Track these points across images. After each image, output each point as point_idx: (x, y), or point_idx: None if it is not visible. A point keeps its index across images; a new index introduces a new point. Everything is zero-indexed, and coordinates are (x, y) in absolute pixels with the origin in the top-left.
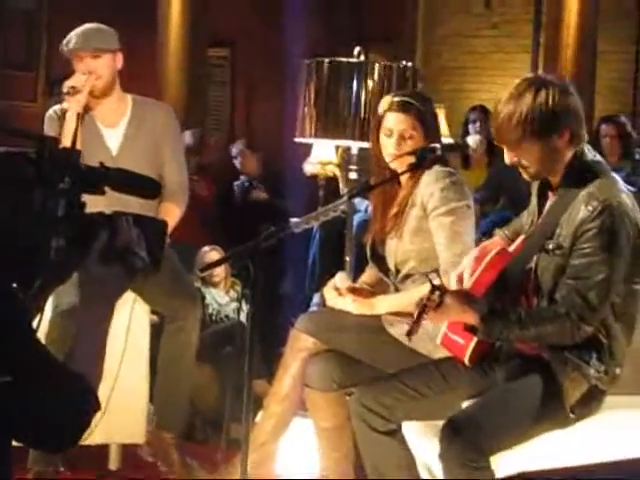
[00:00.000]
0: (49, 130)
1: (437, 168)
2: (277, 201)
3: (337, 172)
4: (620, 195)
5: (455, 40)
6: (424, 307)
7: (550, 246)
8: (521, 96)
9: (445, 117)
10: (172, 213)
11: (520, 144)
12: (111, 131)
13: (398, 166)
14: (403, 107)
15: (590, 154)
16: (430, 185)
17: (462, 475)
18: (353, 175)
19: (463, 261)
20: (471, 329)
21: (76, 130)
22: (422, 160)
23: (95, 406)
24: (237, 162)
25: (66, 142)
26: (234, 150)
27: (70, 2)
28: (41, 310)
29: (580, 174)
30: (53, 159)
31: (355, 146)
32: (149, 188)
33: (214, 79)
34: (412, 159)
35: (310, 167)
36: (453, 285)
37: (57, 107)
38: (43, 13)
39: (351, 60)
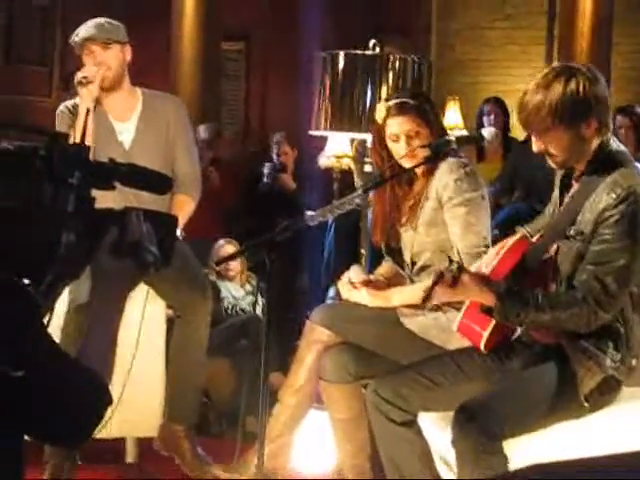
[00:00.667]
0: (61, 125)
1: (451, 160)
2: (300, 193)
3: (352, 165)
4: None
5: (469, 33)
6: (441, 275)
7: (571, 232)
8: (550, 85)
9: (460, 109)
10: (185, 205)
11: (549, 133)
12: (123, 125)
13: (410, 163)
14: (401, 109)
15: (615, 144)
16: (444, 176)
17: (474, 460)
18: (368, 168)
19: (483, 259)
20: (488, 311)
21: (85, 123)
22: (437, 153)
23: (108, 400)
24: (274, 155)
25: (78, 136)
26: (274, 142)
27: None
28: (52, 305)
29: (604, 163)
30: (63, 154)
31: (370, 139)
32: (159, 183)
33: (228, 73)
34: (424, 152)
35: (325, 160)
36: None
37: (68, 102)
38: (58, 9)
39: (366, 53)
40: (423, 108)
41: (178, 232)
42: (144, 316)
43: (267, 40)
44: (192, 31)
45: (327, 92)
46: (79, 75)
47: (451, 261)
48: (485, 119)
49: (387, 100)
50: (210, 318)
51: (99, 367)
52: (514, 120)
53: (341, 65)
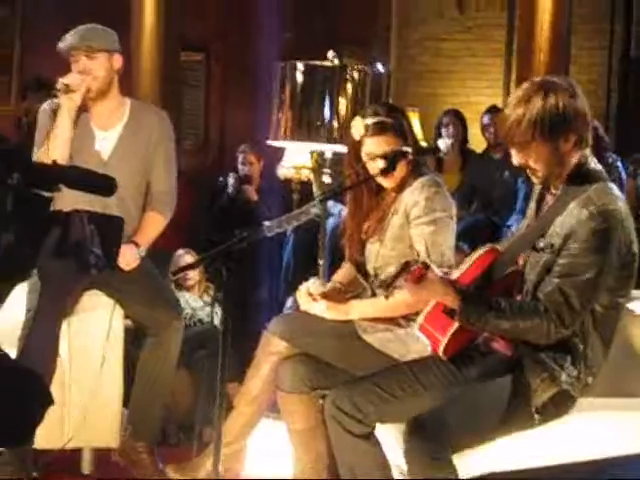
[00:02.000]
0: (42, 123)
1: (424, 178)
2: (263, 206)
3: (311, 176)
4: (617, 202)
5: (429, 44)
6: (407, 263)
7: (541, 244)
8: (530, 99)
9: (419, 121)
10: (156, 222)
11: (529, 146)
12: (105, 134)
13: (389, 183)
14: (381, 129)
15: (592, 162)
16: (415, 193)
17: (423, 468)
18: (327, 179)
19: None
20: (450, 313)
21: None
22: (393, 163)
23: (47, 401)
24: (240, 165)
25: (54, 139)
26: (239, 150)
27: (43, 8)
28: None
29: (580, 179)
30: (2, 156)
31: (329, 150)
32: (104, 186)
33: (188, 83)
34: (382, 163)
35: (284, 171)
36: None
37: (52, 101)
38: (17, 18)
39: (325, 64)
40: (401, 126)
41: (143, 249)
42: (110, 329)
43: (226, 51)
44: (152, 42)
45: (286, 103)
46: (61, 81)
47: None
48: (443, 130)
49: (364, 116)
50: (182, 336)
51: (40, 367)
52: (472, 132)
53: (300, 76)
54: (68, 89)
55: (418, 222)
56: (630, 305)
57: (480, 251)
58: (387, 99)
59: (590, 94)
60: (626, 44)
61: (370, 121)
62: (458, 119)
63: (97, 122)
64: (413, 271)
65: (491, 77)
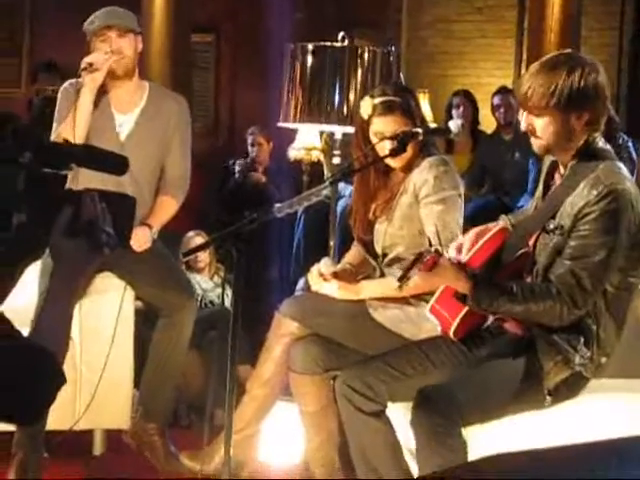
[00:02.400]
0: (62, 102)
1: (432, 157)
2: (272, 187)
3: (321, 157)
4: (625, 182)
5: (439, 26)
6: (420, 254)
7: (551, 226)
8: (555, 68)
9: (429, 102)
10: (169, 207)
11: (541, 113)
12: (124, 117)
13: (396, 163)
14: (389, 109)
15: (601, 142)
16: (424, 173)
17: (432, 441)
18: (337, 160)
19: (465, 235)
20: (462, 299)
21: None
22: (403, 144)
23: (60, 380)
24: (250, 147)
25: (75, 118)
26: (249, 133)
27: None
28: (13, 285)
29: (588, 159)
30: (14, 135)
31: (339, 131)
32: (115, 164)
33: (198, 65)
34: (391, 144)
35: (294, 152)
36: (451, 253)
37: (74, 80)
38: (26, 4)
39: (335, 45)
40: (408, 105)
41: (155, 231)
42: (121, 310)
43: (237, 32)
44: (161, 23)
45: (296, 84)
46: (85, 60)
47: (430, 246)
48: (454, 112)
49: (372, 96)
50: (194, 317)
51: (52, 347)
52: (483, 113)
53: (310, 57)
54: (92, 68)
55: (427, 201)
56: None
57: (492, 230)
58: (398, 80)
59: None
60: (637, 25)
61: (378, 100)
62: (468, 100)
63: (116, 105)
64: (426, 261)
65: (502, 58)
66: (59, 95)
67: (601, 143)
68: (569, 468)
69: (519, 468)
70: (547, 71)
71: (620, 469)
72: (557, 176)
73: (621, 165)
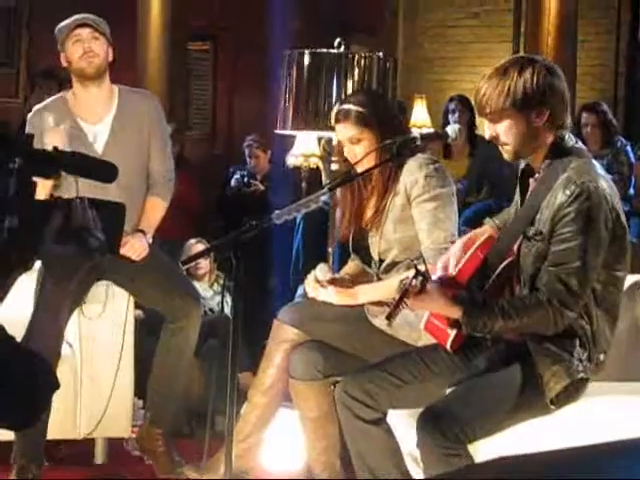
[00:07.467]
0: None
1: (420, 156)
2: (270, 194)
3: (320, 164)
4: (597, 179)
5: (436, 31)
6: (406, 291)
7: (530, 232)
8: (506, 71)
9: (427, 107)
10: (158, 207)
11: (501, 117)
12: (95, 128)
13: (362, 168)
14: (343, 116)
15: (571, 141)
16: (414, 172)
17: (440, 463)
18: (335, 166)
19: (450, 249)
20: (454, 325)
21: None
22: (402, 151)
23: (53, 385)
24: (248, 158)
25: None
26: (245, 144)
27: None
28: (5, 294)
29: (559, 160)
30: (4, 141)
31: (336, 137)
32: (105, 171)
33: (196, 73)
34: (383, 154)
35: (293, 159)
36: (439, 272)
37: (40, 106)
38: (24, 10)
39: (331, 51)
40: (365, 114)
41: (149, 236)
42: (126, 323)
43: (234, 40)
44: (159, 32)
45: (293, 91)
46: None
47: (417, 272)
48: (450, 116)
49: (341, 103)
50: (200, 321)
51: (45, 351)
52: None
53: (306, 64)
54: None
55: (419, 200)
56: None
57: (479, 240)
58: (394, 86)
59: (596, 78)
60: (633, 28)
61: (336, 108)
62: (465, 105)
63: (85, 117)
64: (412, 289)
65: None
66: (27, 127)
67: (571, 142)
68: (575, 469)
69: (523, 470)
70: (499, 75)
71: (629, 470)
72: (531, 181)
73: (593, 162)
